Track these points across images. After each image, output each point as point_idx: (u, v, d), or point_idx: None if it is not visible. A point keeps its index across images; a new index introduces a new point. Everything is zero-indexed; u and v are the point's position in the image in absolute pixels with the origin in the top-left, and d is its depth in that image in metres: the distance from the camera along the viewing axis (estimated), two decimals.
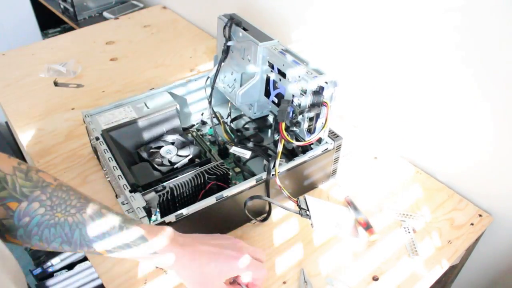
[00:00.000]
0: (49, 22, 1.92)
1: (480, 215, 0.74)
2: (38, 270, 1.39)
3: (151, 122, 0.77)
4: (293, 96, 0.69)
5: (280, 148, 0.65)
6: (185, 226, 0.61)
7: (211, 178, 0.66)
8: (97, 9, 1.55)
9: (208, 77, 0.83)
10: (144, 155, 0.73)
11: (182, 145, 0.75)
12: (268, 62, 0.73)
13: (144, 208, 0.60)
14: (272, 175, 0.65)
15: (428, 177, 0.81)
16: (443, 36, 0.68)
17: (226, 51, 0.79)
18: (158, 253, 0.51)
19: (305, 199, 0.66)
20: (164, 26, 1.31)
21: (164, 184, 0.64)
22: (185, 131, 0.83)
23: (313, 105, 0.65)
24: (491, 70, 0.65)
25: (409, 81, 0.78)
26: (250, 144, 0.80)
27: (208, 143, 0.82)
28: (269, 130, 0.82)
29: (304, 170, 0.72)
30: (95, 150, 0.81)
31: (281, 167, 0.67)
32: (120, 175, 0.65)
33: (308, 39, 0.94)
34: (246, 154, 0.75)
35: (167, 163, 0.71)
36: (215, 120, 0.83)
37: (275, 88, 0.74)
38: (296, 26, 0.95)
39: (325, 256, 0.67)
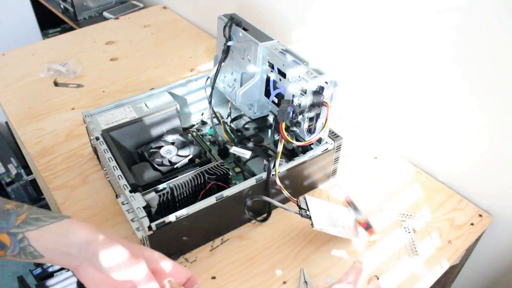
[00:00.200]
0: (49, 22, 1.92)
1: (480, 215, 0.74)
2: (38, 270, 1.39)
3: (151, 122, 0.77)
4: (293, 96, 0.69)
5: (280, 148, 0.65)
6: (185, 226, 0.61)
7: (211, 178, 0.66)
8: (97, 9, 1.55)
9: (208, 77, 0.83)
10: (144, 155, 0.73)
11: (182, 145, 0.74)
12: (268, 62, 0.73)
13: (144, 208, 0.60)
14: (272, 175, 0.65)
15: (428, 177, 0.81)
16: (443, 36, 0.68)
17: (226, 51, 0.79)
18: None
19: (305, 199, 0.66)
20: (164, 26, 1.31)
21: (164, 184, 0.64)
22: (185, 131, 0.83)
23: (313, 105, 0.65)
24: (491, 71, 0.65)
25: (409, 81, 0.78)
26: (250, 144, 0.80)
27: (208, 143, 0.82)
28: (269, 130, 0.82)
29: (304, 170, 0.72)
30: (95, 150, 0.81)
31: (281, 167, 0.67)
32: (120, 175, 0.65)
33: (308, 39, 0.94)
34: (246, 154, 0.75)
35: (167, 163, 0.71)
36: (215, 120, 0.83)
37: (275, 88, 0.74)
38: (296, 26, 0.96)
39: (325, 256, 0.67)
